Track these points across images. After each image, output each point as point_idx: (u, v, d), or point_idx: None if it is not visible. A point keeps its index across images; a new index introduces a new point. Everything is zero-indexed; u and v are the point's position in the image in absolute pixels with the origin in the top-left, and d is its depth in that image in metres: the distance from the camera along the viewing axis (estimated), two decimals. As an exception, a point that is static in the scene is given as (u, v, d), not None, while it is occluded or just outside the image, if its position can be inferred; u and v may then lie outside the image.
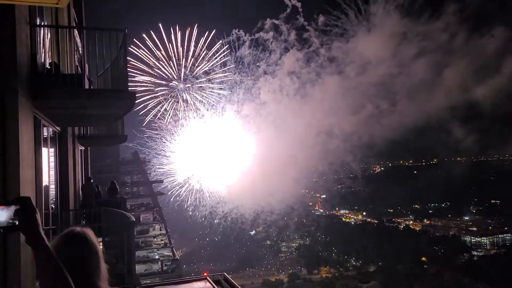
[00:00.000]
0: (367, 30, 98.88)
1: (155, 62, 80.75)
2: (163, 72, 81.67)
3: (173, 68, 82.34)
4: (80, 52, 15.77)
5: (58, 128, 11.72)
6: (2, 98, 6.32)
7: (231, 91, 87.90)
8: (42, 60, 8.98)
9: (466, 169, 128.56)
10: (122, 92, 8.79)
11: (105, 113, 11.00)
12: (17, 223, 2.06)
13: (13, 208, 2.06)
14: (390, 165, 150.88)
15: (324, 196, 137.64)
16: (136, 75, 78.72)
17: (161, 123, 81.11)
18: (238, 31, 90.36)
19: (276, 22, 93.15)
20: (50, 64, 9.06)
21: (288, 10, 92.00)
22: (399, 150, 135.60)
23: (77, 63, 14.79)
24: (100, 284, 2.44)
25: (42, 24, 9.66)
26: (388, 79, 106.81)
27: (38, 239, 2.10)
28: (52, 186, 10.94)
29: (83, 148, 18.30)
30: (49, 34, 10.28)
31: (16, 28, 6.65)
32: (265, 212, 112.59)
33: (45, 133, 9.88)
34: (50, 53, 10.26)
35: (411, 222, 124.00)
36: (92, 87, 11.01)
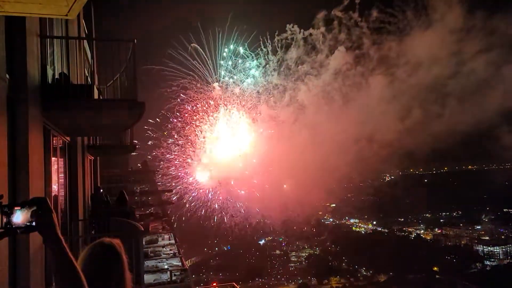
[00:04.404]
0: (424, 27, 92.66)
1: (193, 62, 78.01)
2: (199, 74, 79.38)
3: (210, 70, 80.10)
4: (90, 62, 15.97)
5: (68, 138, 11.80)
6: (12, 109, 6.37)
7: (269, 94, 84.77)
8: (52, 71, 9.07)
9: (478, 177, 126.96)
10: (131, 102, 8.85)
11: (114, 123, 11.07)
12: (34, 223, 2.08)
13: (30, 209, 2.09)
14: (400, 173, 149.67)
15: (334, 205, 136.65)
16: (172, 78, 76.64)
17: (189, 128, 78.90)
18: (293, 26, 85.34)
19: (338, 14, 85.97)
20: (59, 74, 9.15)
21: (345, 3, 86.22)
22: (410, 158, 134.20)
23: (86, 74, 14.96)
24: None
25: (52, 35, 9.77)
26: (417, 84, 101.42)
27: (55, 239, 2.13)
28: (62, 196, 10.98)
29: (92, 157, 18.41)
30: (59, 45, 10.40)
31: (26, 40, 6.73)
32: (287, 221, 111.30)
33: (55, 143, 9.94)
34: (60, 64, 10.37)
35: (422, 231, 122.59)
36: (101, 97, 11.11)
